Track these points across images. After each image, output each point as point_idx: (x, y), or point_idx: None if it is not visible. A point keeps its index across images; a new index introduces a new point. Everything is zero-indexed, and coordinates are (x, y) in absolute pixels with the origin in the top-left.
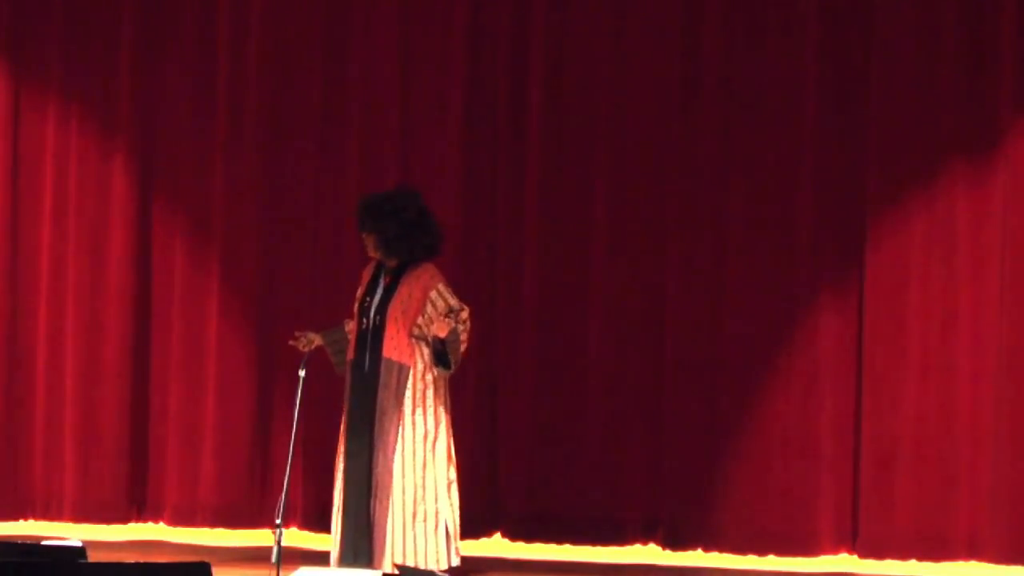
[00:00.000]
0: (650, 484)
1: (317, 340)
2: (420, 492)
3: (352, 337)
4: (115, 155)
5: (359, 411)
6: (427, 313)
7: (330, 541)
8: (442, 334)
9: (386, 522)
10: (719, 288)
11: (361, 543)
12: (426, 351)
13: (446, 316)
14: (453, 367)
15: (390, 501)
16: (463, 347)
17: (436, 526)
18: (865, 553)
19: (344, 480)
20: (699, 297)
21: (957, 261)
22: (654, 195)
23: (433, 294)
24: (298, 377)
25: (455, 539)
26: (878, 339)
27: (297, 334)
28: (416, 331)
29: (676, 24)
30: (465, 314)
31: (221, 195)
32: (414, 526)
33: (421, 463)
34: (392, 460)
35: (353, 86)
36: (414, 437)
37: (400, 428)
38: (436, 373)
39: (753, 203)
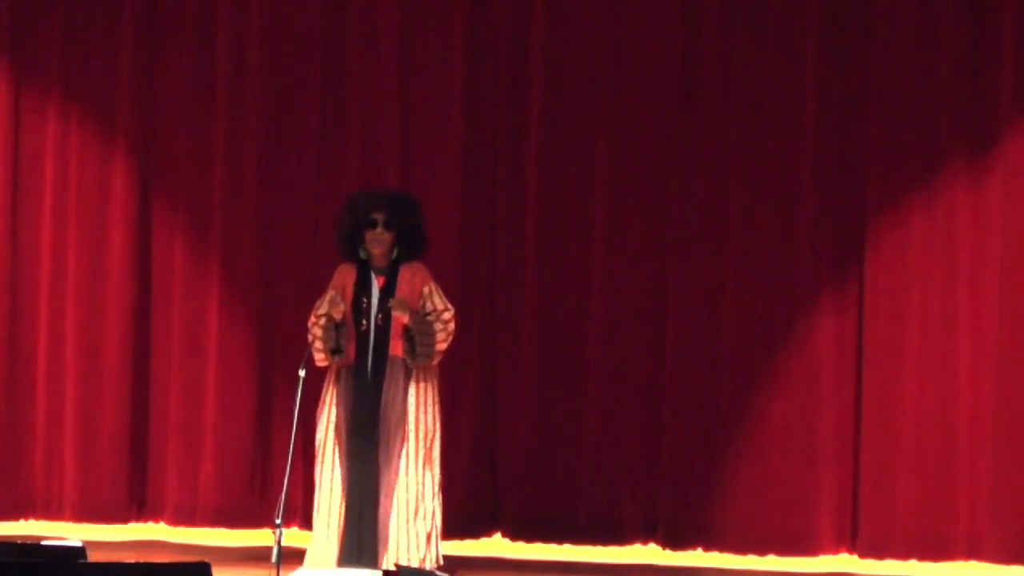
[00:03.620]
0: (650, 484)
1: (339, 314)
2: (421, 490)
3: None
4: (115, 155)
5: (363, 411)
6: (422, 308)
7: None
8: (404, 320)
9: (389, 521)
10: (719, 288)
11: (367, 543)
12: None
13: (426, 315)
14: (418, 358)
15: (394, 500)
16: (438, 345)
17: (433, 524)
18: (865, 553)
19: (347, 481)
20: (699, 297)
21: (957, 261)
22: (654, 195)
23: (427, 290)
24: (298, 377)
25: (439, 536)
26: (878, 339)
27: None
28: None
29: (676, 24)
30: (448, 315)
31: (221, 195)
32: (415, 524)
33: (423, 461)
34: (399, 458)
35: (353, 86)
36: (417, 435)
37: (405, 426)
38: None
39: (753, 203)
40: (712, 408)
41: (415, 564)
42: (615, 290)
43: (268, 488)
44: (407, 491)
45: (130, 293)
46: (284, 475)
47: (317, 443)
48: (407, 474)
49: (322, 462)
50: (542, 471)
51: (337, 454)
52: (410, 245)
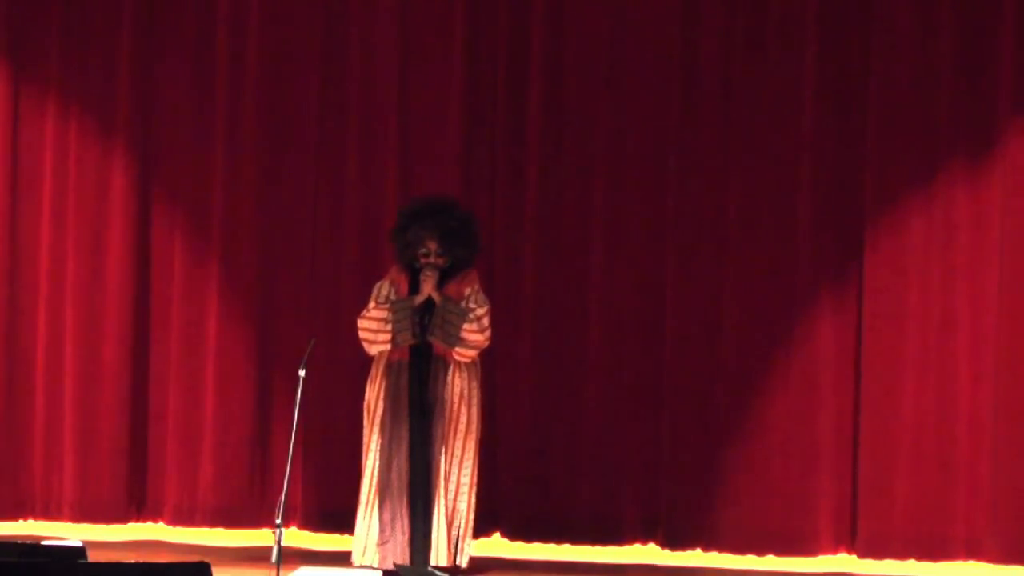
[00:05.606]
0: (649, 484)
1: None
2: (455, 488)
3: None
4: (115, 155)
5: (410, 409)
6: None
7: (334, 540)
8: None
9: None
10: (719, 288)
11: (425, 541)
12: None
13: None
14: (435, 332)
15: (436, 497)
16: (464, 333)
17: (466, 524)
18: (864, 553)
19: (408, 480)
20: (699, 297)
21: (956, 261)
22: (654, 195)
23: (468, 291)
24: (298, 377)
25: (465, 537)
26: (877, 339)
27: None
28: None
29: (676, 24)
30: (481, 311)
31: (221, 195)
32: (452, 525)
33: (460, 459)
34: (439, 456)
35: (353, 86)
36: (455, 432)
37: (443, 424)
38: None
39: (753, 203)
40: (712, 408)
41: (459, 561)
42: (615, 290)
43: (268, 488)
44: (446, 482)
45: (129, 293)
46: (284, 475)
47: (364, 436)
48: (447, 471)
49: (366, 456)
50: (542, 471)
51: (380, 448)
52: (463, 261)
